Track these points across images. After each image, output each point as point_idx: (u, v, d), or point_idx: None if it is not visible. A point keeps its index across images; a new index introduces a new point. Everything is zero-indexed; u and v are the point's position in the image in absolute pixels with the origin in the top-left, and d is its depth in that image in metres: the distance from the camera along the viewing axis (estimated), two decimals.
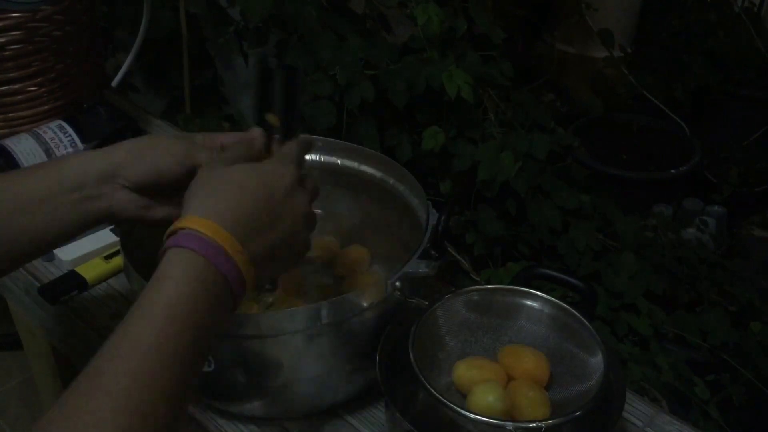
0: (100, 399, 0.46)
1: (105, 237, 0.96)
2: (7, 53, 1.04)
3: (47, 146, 1.02)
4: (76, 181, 0.63)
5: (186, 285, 0.51)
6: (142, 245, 0.77)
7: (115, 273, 0.93)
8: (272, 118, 0.66)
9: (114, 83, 1.34)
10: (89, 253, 0.94)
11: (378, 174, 0.87)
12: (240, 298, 0.55)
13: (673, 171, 2.07)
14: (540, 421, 0.62)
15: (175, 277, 0.51)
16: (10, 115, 1.09)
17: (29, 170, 0.65)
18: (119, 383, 0.46)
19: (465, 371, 0.72)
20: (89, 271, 0.91)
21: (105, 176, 0.63)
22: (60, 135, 1.04)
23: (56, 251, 0.95)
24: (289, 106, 0.66)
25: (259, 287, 0.60)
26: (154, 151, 0.64)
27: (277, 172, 0.59)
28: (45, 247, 0.66)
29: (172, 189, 0.65)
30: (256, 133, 0.64)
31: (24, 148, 1.01)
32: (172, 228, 0.54)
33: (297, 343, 0.68)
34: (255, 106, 0.66)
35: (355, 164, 0.88)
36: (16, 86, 1.07)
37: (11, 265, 0.65)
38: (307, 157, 0.89)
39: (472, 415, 0.62)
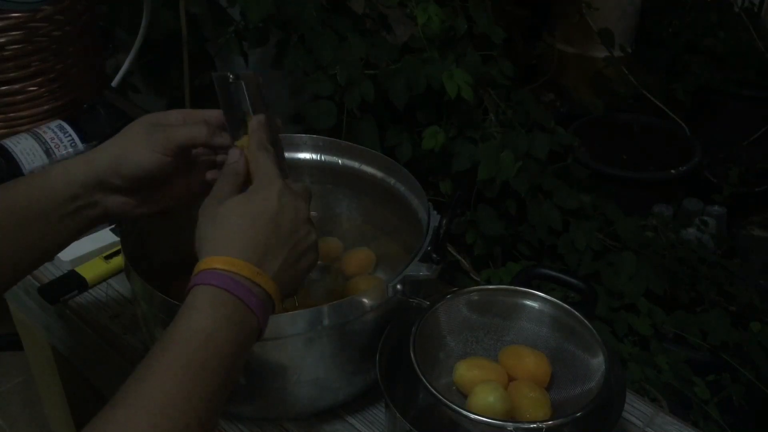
0: (137, 415, 0.48)
1: (105, 237, 0.96)
2: (7, 53, 1.03)
3: (47, 146, 1.02)
4: (67, 193, 0.63)
5: (209, 313, 0.54)
6: (142, 245, 0.77)
7: (115, 273, 0.93)
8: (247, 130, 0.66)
9: (114, 83, 1.33)
10: (89, 253, 0.94)
11: (379, 174, 0.87)
12: (265, 318, 0.57)
13: (673, 171, 2.07)
14: (541, 421, 0.62)
15: (198, 308, 0.54)
16: (10, 115, 1.09)
17: (17, 185, 0.65)
18: (155, 401, 0.49)
19: (466, 371, 0.72)
20: (89, 271, 0.91)
21: (94, 184, 0.64)
22: (60, 135, 1.04)
23: None
24: (258, 113, 0.66)
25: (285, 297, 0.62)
26: (136, 148, 0.64)
27: (266, 193, 0.60)
28: (43, 258, 0.67)
29: (163, 178, 0.66)
30: (236, 157, 0.64)
31: (24, 148, 1.01)
32: (193, 273, 0.57)
33: (298, 346, 0.68)
34: (229, 123, 0.66)
35: (355, 164, 0.88)
36: (16, 86, 1.07)
37: (12, 278, 0.66)
38: (308, 156, 0.89)
39: (472, 416, 0.62)
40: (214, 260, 0.56)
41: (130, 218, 0.68)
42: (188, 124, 0.67)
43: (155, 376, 0.51)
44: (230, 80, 0.66)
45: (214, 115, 0.68)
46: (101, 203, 0.64)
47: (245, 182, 0.63)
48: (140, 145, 0.64)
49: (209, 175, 0.68)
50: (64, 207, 0.63)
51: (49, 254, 0.67)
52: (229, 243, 0.57)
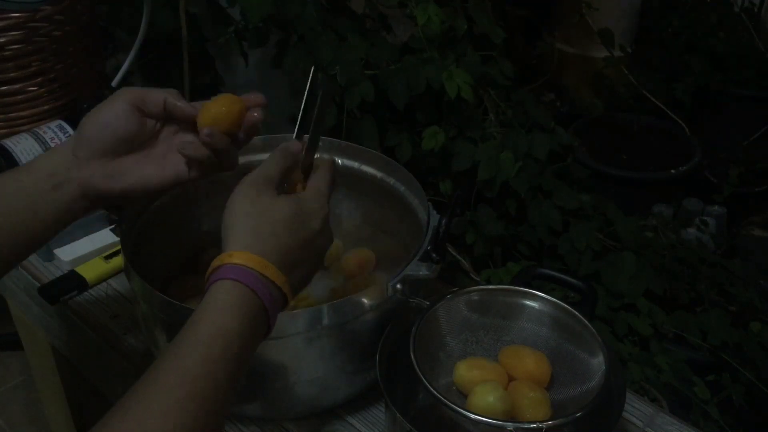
0: (150, 416, 0.48)
1: (105, 237, 0.96)
2: (7, 53, 1.03)
3: (47, 146, 1.02)
4: (46, 171, 0.63)
5: (231, 313, 0.54)
6: (142, 245, 0.77)
7: (115, 273, 0.93)
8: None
9: (114, 83, 1.33)
10: (89, 253, 0.94)
11: (378, 174, 0.87)
12: (275, 319, 0.57)
13: (673, 171, 2.07)
14: (541, 421, 0.62)
15: (221, 307, 0.54)
16: (10, 115, 1.09)
17: (9, 172, 0.65)
18: (169, 399, 0.49)
19: (466, 371, 0.72)
20: (89, 271, 0.91)
21: (69, 156, 0.64)
22: (60, 135, 1.04)
23: (56, 251, 0.95)
24: (320, 123, 0.65)
25: None
26: (104, 111, 0.64)
27: (316, 211, 0.61)
28: (32, 244, 0.66)
29: (133, 136, 0.65)
30: (296, 147, 0.64)
31: (24, 148, 1.01)
32: (214, 263, 0.56)
33: (298, 345, 0.68)
34: (301, 123, 0.65)
35: (355, 164, 0.88)
36: (16, 86, 1.07)
37: (3, 267, 0.65)
38: None
39: (472, 416, 0.62)
40: (242, 255, 0.55)
41: (105, 198, 0.66)
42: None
43: (170, 378, 0.50)
44: (321, 85, 0.65)
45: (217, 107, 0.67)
46: (75, 178, 0.63)
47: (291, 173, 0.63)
48: (109, 102, 0.64)
49: (179, 146, 0.65)
50: (43, 184, 0.63)
51: (37, 241, 0.66)
52: (265, 244, 0.57)
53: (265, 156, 0.86)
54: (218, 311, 0.54)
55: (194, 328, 0.53)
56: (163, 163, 0.66)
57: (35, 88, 1.09)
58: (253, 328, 0.55)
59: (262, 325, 0.56)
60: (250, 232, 0.57)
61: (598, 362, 0.68)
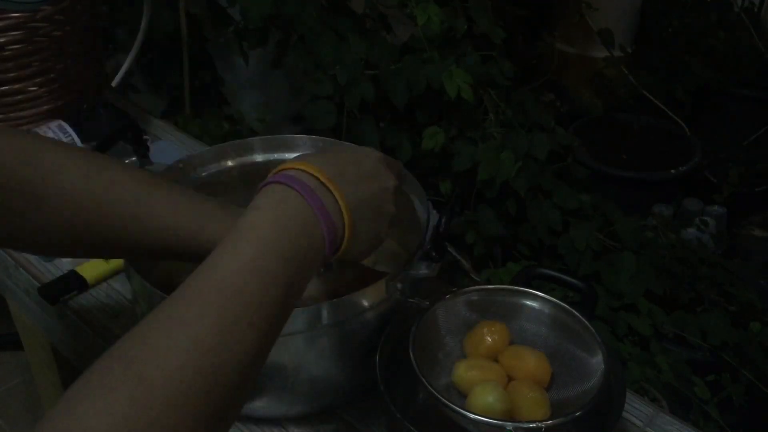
0: (180, 323, 0.44)
1: None
2: (7, 53, 1.03)
3: None
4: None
5: (271, 210, 0.52)
6: None
7: (115, 273, 0.93)
8: None
9: (114, 83, 1.34)
10: None
11: None
12: (330, 233, 0.54)
13: (673, 171, 2.07)
14: (540, 421, 0.62)
15: (261, 205, 0.52)
16: (10, 115, 1.09)
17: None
18: (204, 306, 0.45)
19: (465, 371, 0.71)
20: (89, 271, 0.91)
21: None
22: (60, 135, 1.04)
23: None
24: None
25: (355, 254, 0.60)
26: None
27: (361, 150, 0.62)
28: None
29: None
30: None
31: None
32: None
33: (297, 344, 0.68)
34: None
35: None
36: (16, 86, 1.07)
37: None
38: None
39: (472, 416, 0.62)
40: (291, 164, 0.55)
41: None
42: None
43: (209, 276, 0.47)
44: None
45: None
46: None
47: None
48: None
49: None
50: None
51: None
52: (311, 159, 0.56)
53: (265, 156, 0.87)
54: (254, 209, 0.52)
55: (234, 228, 0.50)
56: None
57: (35, 88, 1.09)
58: (295, 225, 0.51)
59: (312, 229, 0.52)
60: (296, 157, 0.58)
61: (597, 362, 0.68)
